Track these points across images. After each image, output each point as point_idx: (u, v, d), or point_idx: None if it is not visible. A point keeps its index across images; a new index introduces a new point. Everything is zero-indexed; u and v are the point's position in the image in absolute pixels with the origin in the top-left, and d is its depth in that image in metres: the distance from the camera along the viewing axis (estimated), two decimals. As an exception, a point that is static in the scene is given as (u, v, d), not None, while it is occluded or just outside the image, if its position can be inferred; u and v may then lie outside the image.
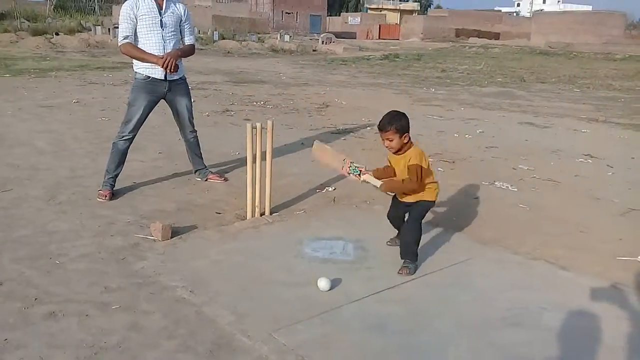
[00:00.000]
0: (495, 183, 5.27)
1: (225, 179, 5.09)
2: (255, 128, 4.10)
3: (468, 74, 19.04)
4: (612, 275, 3.38)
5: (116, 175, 4.57)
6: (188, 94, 4.82)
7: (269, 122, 4.18)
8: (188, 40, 4.71)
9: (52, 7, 50.87)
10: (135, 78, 4.57)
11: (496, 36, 56.96)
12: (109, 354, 2.40)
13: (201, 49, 26.70)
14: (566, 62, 28.29)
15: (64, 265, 3.24)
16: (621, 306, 3.00)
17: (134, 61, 4.49)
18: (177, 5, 4.56)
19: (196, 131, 5.00)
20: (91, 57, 19.18)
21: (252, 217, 4.15)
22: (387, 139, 3.20)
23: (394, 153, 3.28)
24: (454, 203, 4.68)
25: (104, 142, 6.04)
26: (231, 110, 9.04)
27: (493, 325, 2.76)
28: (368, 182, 3.34)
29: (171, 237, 3.68)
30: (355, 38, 54.91)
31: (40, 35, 24.16)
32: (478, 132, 8.03)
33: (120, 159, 4.56)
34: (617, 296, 3.11)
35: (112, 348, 2.44)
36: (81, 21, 31.06)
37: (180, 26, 4.61)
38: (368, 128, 7.97)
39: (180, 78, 4.67)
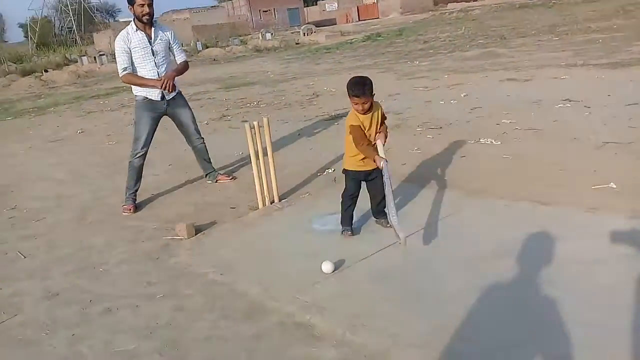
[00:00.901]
0: (481, 140, 5.68)
1: (234, 178, 5.50)
2: (253, 127, 4.51)
3: (450, 41, 19.34)
4: (587, 202, 3.80)
5: (136, 190, 5.00)
6: (187, 105, 5.22)
7: (265, 120, 4.62)
8: (180, 58, 5.09)
9: (35, 45, 51.42)
10: (135, 100, 4.99)
11: (474, -3, 56.91)
12: (163, 330, 2.87)
13: (188, 61, 27.09)
14: (545, 11, 28.40)
15: (108, 271, 3.71)
16: (594, 227, 3.43)
17: (133, 86, 4.93)
18: (165, 32, 4.94)
19: (203, 138, 5.37)
20: (84, 88, 19.63)
21: (264, 206, 4.59)
22: (365, 102, 3.50)
23: (363, 113, 3.55)
24: (442, 163, 5.10)
25: (117, 163, 6.51)
26: (228, 115, 9.47)
27: (483, 259, 3.20)
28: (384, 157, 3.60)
29: (195, 234, 4.14)
30: (335, 24, 55.13)
31: (29, 74, 24.61)
32: (462, 95, 8.42)
33: (137, 175, 4.98)
34: (590, 219, 3.55)
35: (164, 326, 2.91)
36: (65, 54, 31.49)
37: (170, 49, 5.01)
38: (358, 110, 8.38)
39: (177, 93, 5.08)
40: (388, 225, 3.76)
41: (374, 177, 3.74)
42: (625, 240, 3.20)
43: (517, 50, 13.74)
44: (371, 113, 3.61)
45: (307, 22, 52.37)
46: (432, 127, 6.58)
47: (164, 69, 4.88)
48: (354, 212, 3.87)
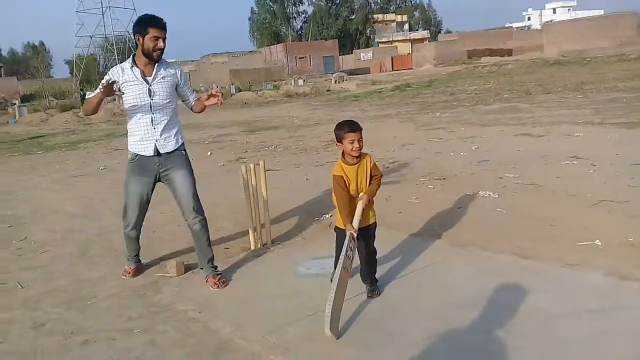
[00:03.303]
0: (479, 192, 5.73)
1: (224, 285, 4.01)
2: (249, 169, 4.69)
3: (476, 94, 19.50)
4: (569, 258, 3.81)
5: (137, 254, 4.40)
6: (188, 166, 4.09)
7: (261, 162, 4.78)
8: (194, 99, 4.19)
9: (78, 82, 53.54)
10: (128, 159, 4.13)
11: (509, 52, 57.32)
12: (132, 364, 2.97)
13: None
14: (578, 69, 28.44)
15: (95, 304, 3.85)
16: (568, 282, 3.44)
17: (128, 140, 4.10)
18: (169, 70, 4.02)
19: (203, 215, 4.12)
20: (116, 125, 20.34)
21: (255, 247, 4.71)
22: (360, 139, 3.37)
23: (355, 157, 3.41)
24: (438, 214, 5.16)
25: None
26: (244, 157, 9.72)
27: (453, 308, 3.24)
28: (355, 231, 3.38)
29: (185, 272, 4.27)
30: (369, 73, 56.11)
31: (68, 110, 25.64)
32: (474, 148, 8.50)
33: (134, 244, 4.34)
34: (567, 274, 3.56)
35: (135, 359, 3.01)
36: (105, 93, 32.66)
37: (178, 91, 4.13)
38: (370, 158, 8.53)
39: (176, 149, 4.07)
40: (370, 294, 3.56)
41: (360, 238, 3.50)
42: (595, 296, 3.20)
43: (539, 105, 13.80)
44: (358, 164, 3.44)
45: (341, 69, 53.40)
46: (436, 178, 6.66)
47: (161, 116, 3.98)
48: None
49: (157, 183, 4.14)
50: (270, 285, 3.89)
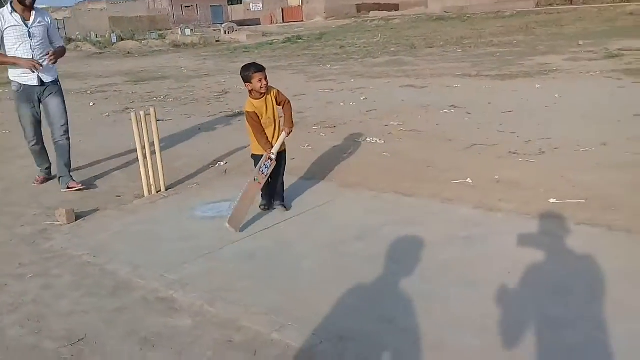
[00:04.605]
0: (367, 139, 6.05)
1: (85, 188, 4.97)
2: (140, 117, 4.63)
3: (365, 47, 19.96)
4: (444, 195, 4.21)
5: (48, 167, 5.29)
6: (61, 95, 5.01)
7: (152, 110, 4.73)
8: (57, 44, 4.99)
9: None
10: (12, 90, 4.94)
11: (395, 7, 58.50)
12: (27, 306, 2.95)
13: (100, 53, 26.37)
14: (459, 25, 29.75)
15: (-20, 254, 3.71)
16: (443, 215, 3.83)
17: (9, 70, 4.85)
18: (44, 17, 4.85)
19: (69, 137, 5.03)
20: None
21: (149, 194, 4.71)
22: (266, 77, 3.85)
23: (262, 94, 3.90)
24: (329, 159, 5.41)
25: (8, 152, 6.39)
26: (131, 108, 9.37)
27: (343, 242, 3.50)
28: (273, 154, 3.96)
29: (75, 220, 4.19)
30: (259, 24, 55.11)
31: None
32: (362, 99, 8.83)
33: (42, 156, 5.24)
34: (442, 209, 3.95)
35: (29, 303, 3.00)
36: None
37: (48, 35, 4.87)
38: (262, 108, 8.60)
39: (54, 81, 4.95)
40: (278, 206, 4.18)
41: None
42: (467, 226, 3.60)
43: (423, 59, 14.46)
44: (265, 97, 3.94)
45: (230, 20, 51.92)
46: (327, 126, 6.90)
47: (39, 53, 4.75)
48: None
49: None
50: (167, 229, 3.94)
